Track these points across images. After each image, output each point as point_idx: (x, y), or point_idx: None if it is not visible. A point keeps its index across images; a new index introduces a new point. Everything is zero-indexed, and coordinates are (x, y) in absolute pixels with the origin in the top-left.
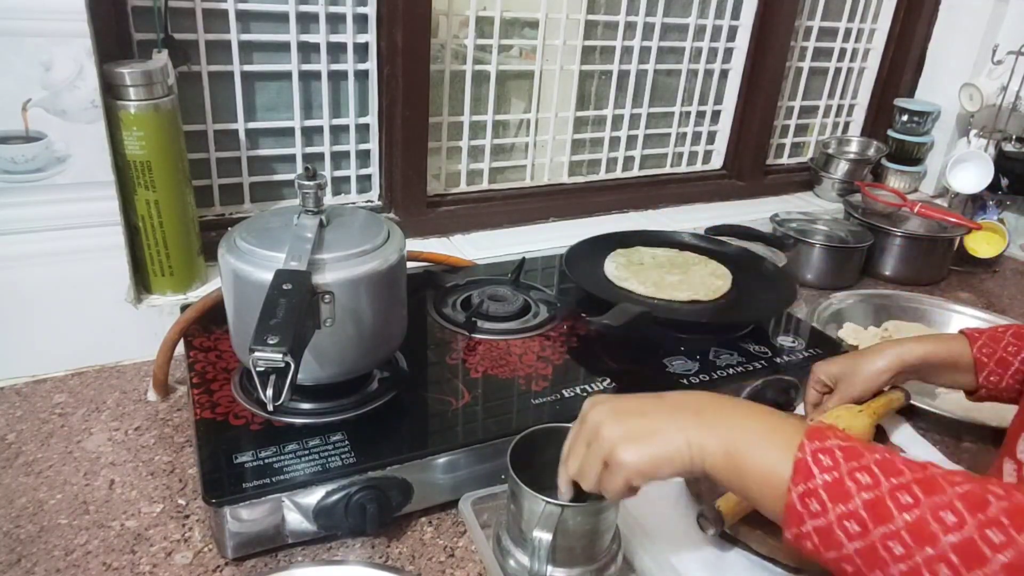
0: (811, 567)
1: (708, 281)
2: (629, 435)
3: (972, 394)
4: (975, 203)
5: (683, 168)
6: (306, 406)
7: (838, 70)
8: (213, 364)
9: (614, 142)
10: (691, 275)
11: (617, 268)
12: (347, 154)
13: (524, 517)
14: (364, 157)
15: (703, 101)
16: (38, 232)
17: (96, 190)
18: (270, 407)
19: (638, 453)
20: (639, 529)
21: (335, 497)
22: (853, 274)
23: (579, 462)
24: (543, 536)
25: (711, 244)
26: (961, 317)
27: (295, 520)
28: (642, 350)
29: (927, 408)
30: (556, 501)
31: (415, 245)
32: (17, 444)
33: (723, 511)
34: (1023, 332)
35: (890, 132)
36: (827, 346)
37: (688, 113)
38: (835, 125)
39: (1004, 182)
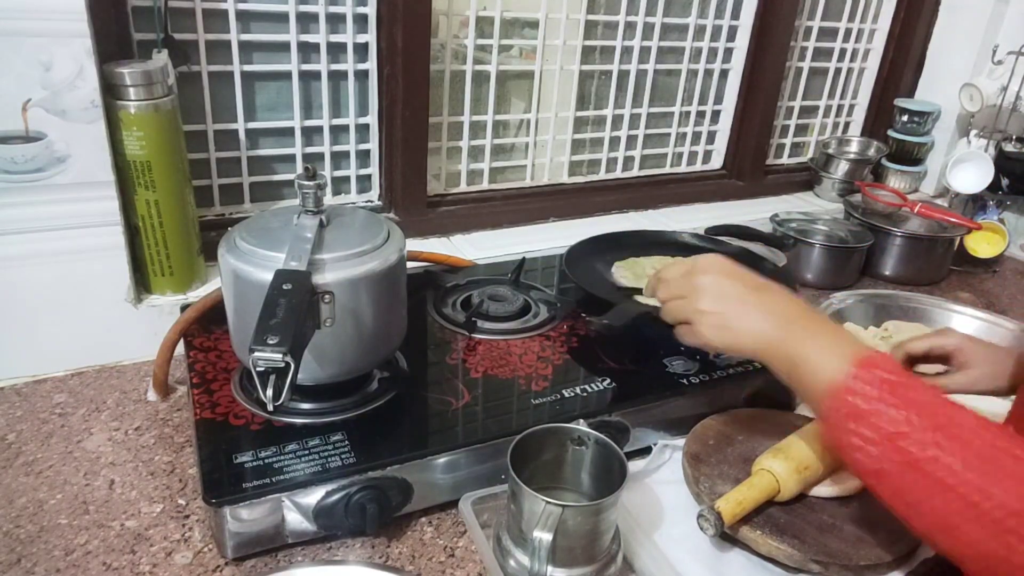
0: (810, 568)
1: None
2: (719, 319)
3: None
4: (975, 203)
5: (683, 168)
6: (306, 406)
7: (838, 70)
8: (213, 364)
9: (614, 142)
10: None
11: (629, 282)
12: (347, 154)
13: (524, 517)
14: (364, 157)
15: (703, 101)
16: (38, 232)
17: (96, 190)
18: (270, 407)
19: (719, 336)
20: (638, 529)
21: (335, 497)
22: (853, 274)
23: (671, 304)
24: (543, 536)
25: (711, 244)
26: (961, 317)
27: (295, 520)
28: (642, 350)
29: None
30: (556, 502)
31: (415, 245)
32: (17, 444)
33: (723, 512)
34: None
35: (890, 132)
36: None
37: (688, 113)
38: (835, 125)
39: (1004, 182)
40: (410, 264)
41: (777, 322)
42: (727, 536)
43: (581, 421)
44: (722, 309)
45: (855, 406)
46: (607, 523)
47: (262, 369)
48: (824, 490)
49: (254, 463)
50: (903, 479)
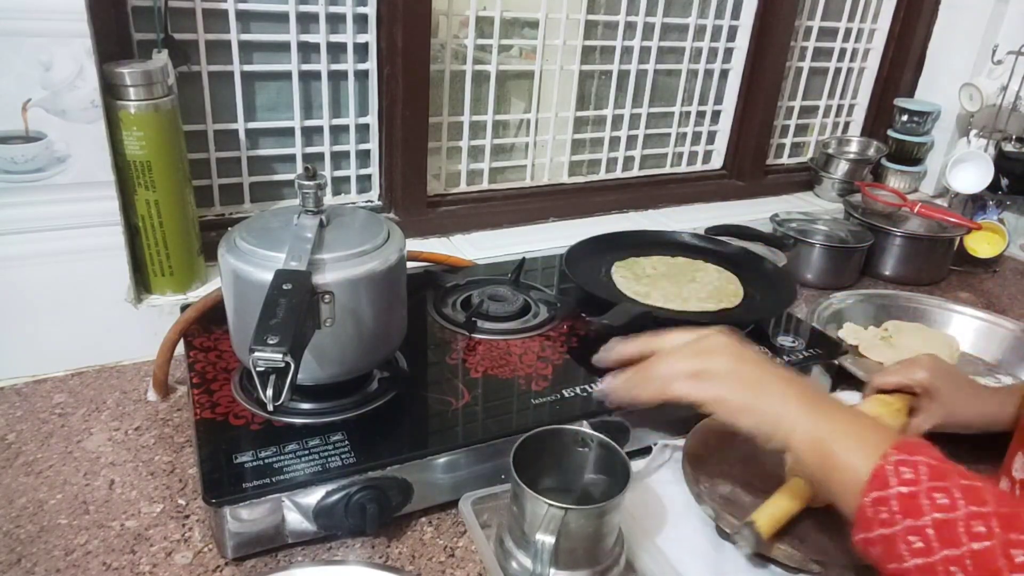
0: (810, 568)
1: (726, 288)
2: (736, 398)
3: None
4: (975, 203)
5: (683, 168)
6: (306, 406)
7: (838, 70)
8: (213, 364)
9: (614, 142)
10: (704, 283)
11: (628, 283)
12: (347, 154)
13: (527, 519)
14: (364, 157)
15: (703, 101)
16: (38, 232)
17: (96, 190)
18: (270, 407)
19: (740, 414)
20: (638, 529)
21: (335, 497)
22: (853, 274)
23: (672, 356)
24: (546, 539)
25: (711, 244)
26: (961, 317)
27: (295, 520)
28: None
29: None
30: (559, 504)
31: (415, 245)
32: (17, 444)
33: (761, 528)
34: None
35: (890, 132)
36: (827, 346)
37: (688, 113)
38: (835, 125)
39: (1004, 182)
40: (410, 264)
41: (801, 407)
42: (727, 536)
43: (584, 423)
44: (743, 394)
45: (908, 495)
46: (610, 526)
47: (262, 369)
48: None
49: (254, 463)
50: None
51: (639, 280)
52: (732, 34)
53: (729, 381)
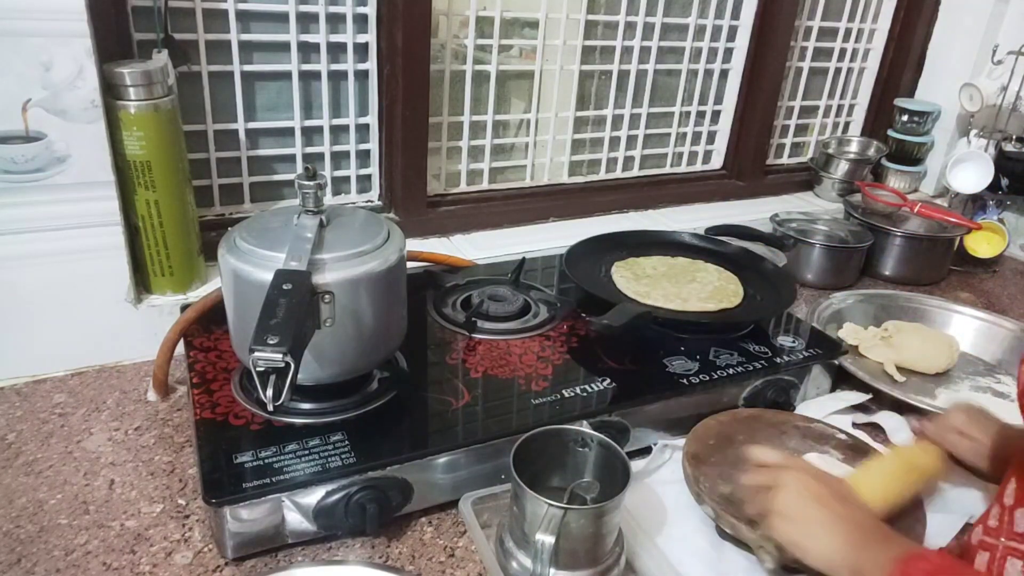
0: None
1: (726, 288)
2: (786, 532)
3: None
4: (975, 203)
5: (683, 168)
6: (306, 406)
7: (838, 70)
8: (213, 364)
9: (614, 142)
10: (704, 283)
11: (628, 282)
12: (347, 154)
13: (527, 519)
14: (364, 157)
15: (703, 101)
16: (38, 232)
17: (96, 190)
18: (270, 407)
19: (786, 543)
20: (639, 529)
21: (335, 497)
22: (853, 274)
23: (753, 496)
24: (546, 539)
25: (711, 244)
26: (961, 317)
27: (295, 520)
28: (642, 350)
29: (927, 407)
30: (559, 504)
31: (415, 245)
32: (17, 444)
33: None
34: None
35: (890, 132)
36: (827, 346)
37: (688, 113)
38: (835, 125)
39: (1004, 182)
40: (410, 264)
41: (845, 546)
42: (727, 536)
43: (584, 423)
44: (796, 528)
45: None
46: (610, 526)
47: (262, 369)
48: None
49: (254, 463)
50: None
51: (639, 280)
52: (732, 34)
53: (786, 522)
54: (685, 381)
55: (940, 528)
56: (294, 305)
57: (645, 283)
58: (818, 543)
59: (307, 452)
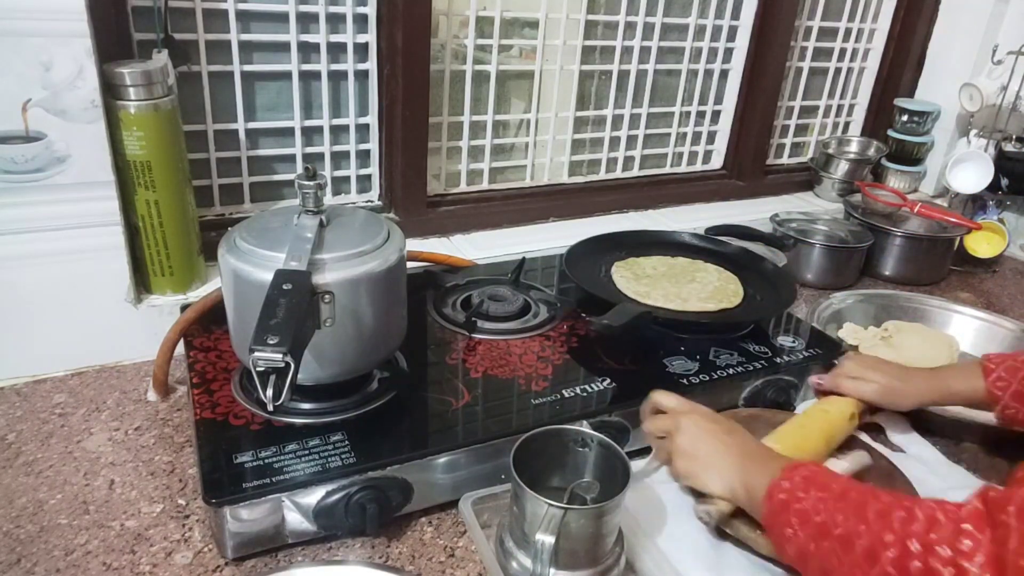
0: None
1: (726, 287)
2: (687, 469)
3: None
4: (975, 203)
5: (683, 168)
6: (306, 406)
7: (838, 70)
8: (213, 364)
9: (614, 142)
10: (704, 283)
11: (628, 282)
12: (347, 154)
13: (527, 519)
14: (364, 157)
15: (703, 101)
16: (38, 232)
17: (96, 190)
18: (270, 407)
19: (689, 479)
20: (638, 529)
21: (335, 497)
22: (853, 274)
23: (655, 444)
24: (545, 539)
25: (711, 244)
26: (961, 317)
27: (295, 520)
28: (642, 350)
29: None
30: (558, 504)
31: (415, 245)
32: (17, 444)
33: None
34: None
35: (890, 132)
36: (827, 346)
37: (688, 113)
38: (835, 125)
39: (1004, 182)
40: (410, 264)
41: (732, 466)
42: (727, 536)
43: (584, 423)
44: (688, 461)
45: (782, 500)
46: (610, 526)
47: (262, 369)
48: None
49: (254, 463)
50: (819, 548)
51: (639, 280)
52: (732, 34)
53: (680, 454)
54: (685, 381)
55: None
56: (294, 305)
57: (645, 283)
58: (715, 472)
59: (307, 452)
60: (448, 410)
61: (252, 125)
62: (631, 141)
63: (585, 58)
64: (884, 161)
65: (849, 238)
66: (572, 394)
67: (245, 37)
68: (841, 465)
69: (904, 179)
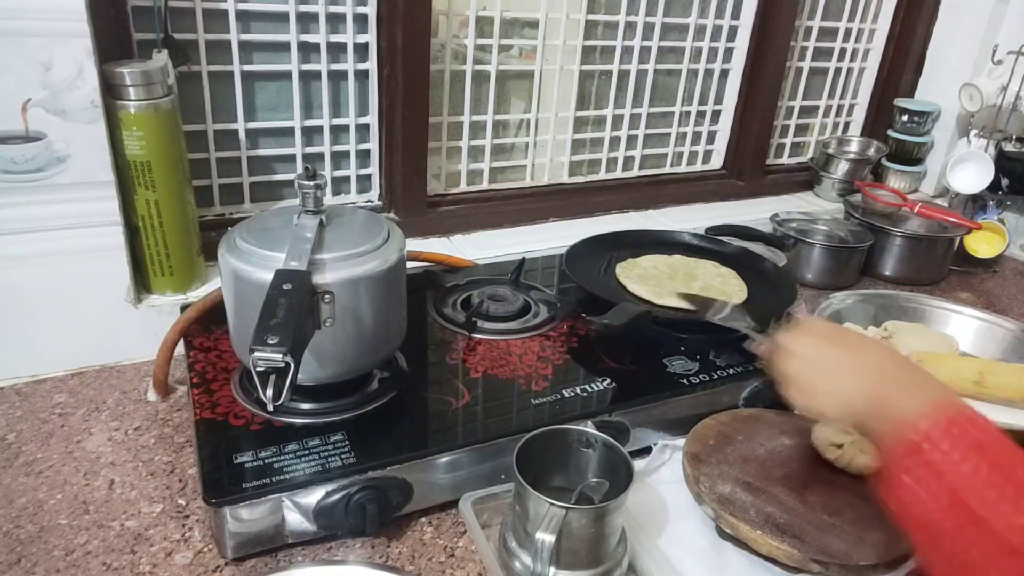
0: (810, 568)
1: (729, 284)
2: (797, 382)
3: None
4: (975, 203)
5: (683, 168)
6: (306, 406)
7: (838, 70)
8: (213, 364)
9: (614, 142)
10: (707, 281)
11: (635, 284)
12: (347, 154)
13: (529, 519)
14: (364, 157)
15: (703, 101)
16: (38, 232)
17: (96, 190)
18: (270, 407)
19: (802, 401)
20: (639, 529)
21: (335, 497)
22: (853, 274)
23: (773, 358)
24: (546, 538)
25: (711, 244)
26: (961, 317)
27: (295, 520)
28: (642, 350)
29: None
30: (560, 503)
31: (415, 245)
32: (17, 444)
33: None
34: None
35: (890, 132)
36: None
37: (688, 113)
38: (835, 125)
39: (1004, 182)
40: (410, 264)
41: (857, 389)
42: (727, 536)
43: (589, 423)
44: (804, 376)
45: (920, 453)
46: (612, 526)
47: (262, 369)
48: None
49: (254, 463)
50: (960, 534)
51: (646, 281)
52: (732, 34)
53: (796, 367)
54: (685, 381)
55: None
56: (294, 305)
57: (652, 284)
58: (837, 382)
59: (307, 452)
60: (448, 410)
61: (252, 125)
62: (631, 141)
63: (585, 58)
64: (884, 161)
65: (849, 238)
66: (572, 394)
67: (245, 37)
68: None
69: (904, 179)
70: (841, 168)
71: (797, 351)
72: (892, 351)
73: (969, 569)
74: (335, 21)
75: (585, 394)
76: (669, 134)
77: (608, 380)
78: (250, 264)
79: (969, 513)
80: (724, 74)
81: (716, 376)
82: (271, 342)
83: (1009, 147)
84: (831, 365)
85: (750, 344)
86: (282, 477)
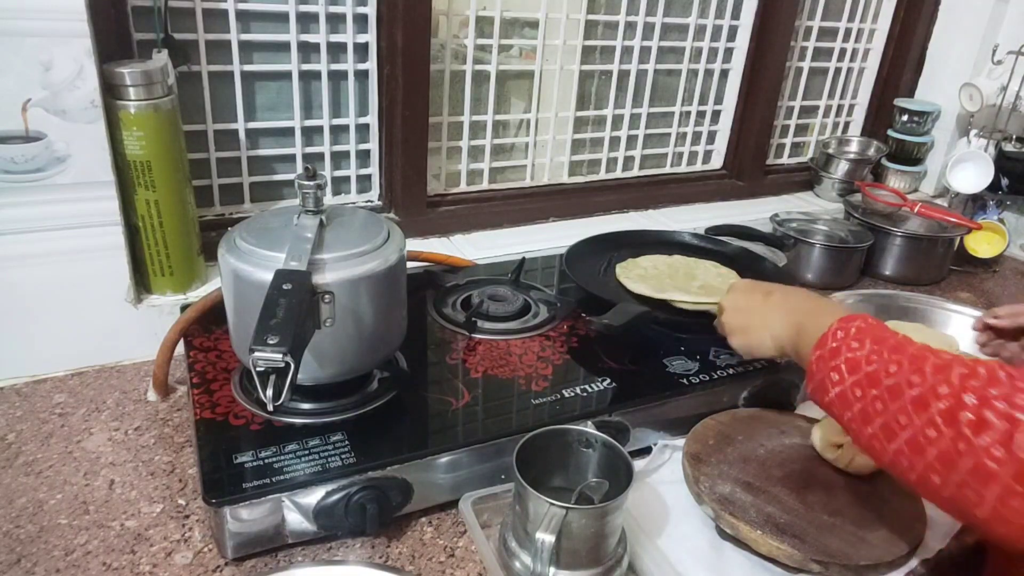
0: (810, 568)
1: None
2: (732, 328)
3: None
4: (975, 203)
5: (683, 168)
6: (306, 406)
7: (838, 70)
8: (213, 364)
9: (614, 142)
10: (707, 280)
11: (635, 283)
12: (347, 154)
13: (529, 519)
14: (364, 157)
15: (703, 101)
16: (38, 232)
17: (96, 190)
18: (270, 407)
19: (737, 343)
20: (639, 529)
21: (335, 497)
22: (853, 274)
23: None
24: (546, 538)
25: (711, 244)
26: (961, 317)
27: (295, 520)
28: (642, 350)
29: None
30: (560, 503)
31: (415, 245)
32: (17, 444)
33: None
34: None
35: (890, 132)
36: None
37: (688, 113)
38: (835, 125)
39: (1004, 182)
40: (410, 264)
41: (781, 322)
42: (727, 536)
43: (589, 423)
44: (734, 320)
45: (833, 348)
46: (612, 526)
47: (262, 369)
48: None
49: (254, 463)
50: (865, 395)
51: (646, 280)
52: (732, 34)
53: (727, 315)
54: (685, 381)
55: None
56: (294, 305)
57: (653, 282)
58: (765, 336)
59: (307, 452)
60: (448, 410)
61: (252, 125)
62: (631, 141)
63: (585, 58)
64: (884, 161)
65: (849, 238)
66: (572, 394)
67: (245, 37)
68: None
69: (904, 179)
70: (841, 168)
71: (731, 306)
72: (803, 291)
73: (888, 426)
74: (335, 21)
75: (585, 394)
76: (669, 134)
77: (608, 380)
78: (250, 264)
79: (877, 382)
80: (724, 74)
81: (716, 376)
82: (271, 342)
83: (1009, 147)
84: (757, 310)
85: (717, 324)
86: (282, 477)
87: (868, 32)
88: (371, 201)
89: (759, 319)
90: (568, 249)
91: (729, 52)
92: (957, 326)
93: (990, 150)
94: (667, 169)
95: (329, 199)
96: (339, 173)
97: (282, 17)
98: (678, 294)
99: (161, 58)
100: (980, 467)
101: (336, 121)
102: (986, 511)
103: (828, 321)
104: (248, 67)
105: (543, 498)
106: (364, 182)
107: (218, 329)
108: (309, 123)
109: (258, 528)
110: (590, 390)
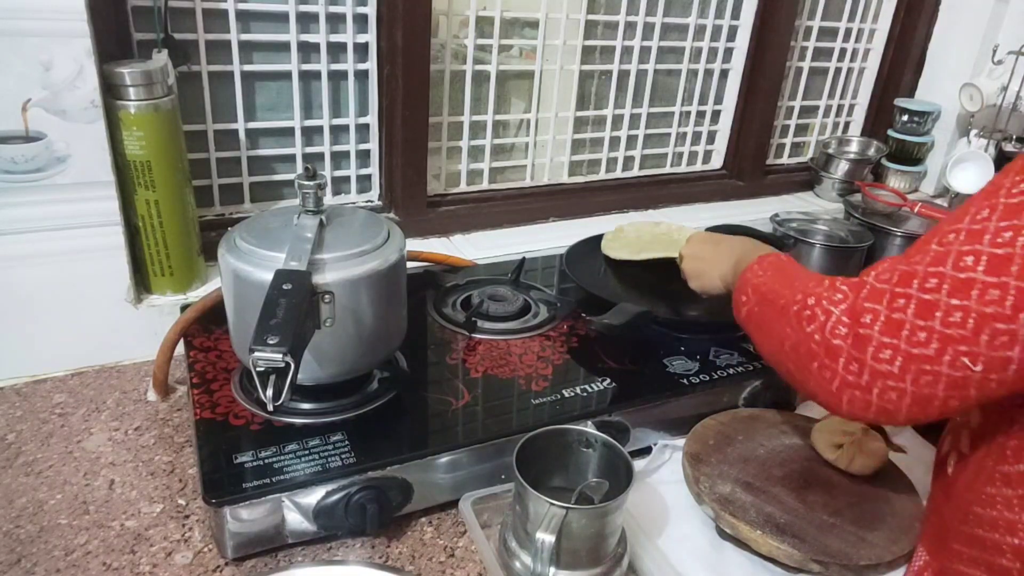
0: (810, 568)
1: None
2: (690, 272)
3: None
4: None
5: (683, 168)
6: (306, 406)
7: (838, 70)
8: (213, 364)
9: (614, 142)
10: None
11: (616, 250)
12: (347, 154)
13: (529, 519)
14: (364, 157)
15: (703, 101)
16: (38, 232)
17: (96, 190)
18: (270, 407)
19: (695, 285)
20: (639, 529)
21: (335, 497)
22: (853, 274)
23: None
24: (546, 538)
25: None
26: None
27: (295, 520)
28: (642, 350)
29: None
30: (560, 503)
31: (415, 245)
32: (17, 444)
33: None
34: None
35: (890, 132)
36: None
37: (688, 113)
38: (835, 125)
39: None
40: (410, 264)
41: (726, 263)
42: (727, 536)
43: (589, 423)
44: (691, 265)
45: (746, 278)
46: (612, 526)
47: (262, 369)
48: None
49: (254, 463)
50: (761, 310)
51: (630, 247)
52: (732, 34)
53: (685, 261)
54: (685, 381)
55: None
56: (294, 305)
57: (636, 247)
58: (715, 276)
59: (307, 452)
60: (448, 410)
61: (252, 125)
62: (631, 141)
63: (585, 58)
64: (884, 161)
65: (849, 238)
66: (572, 394)
67: (245, 37)
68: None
69: (904, 179)
70: (841, 168)
71: (688, 254)
72: (747, 239)
73: (770, 331)
74: (335, 21)
75: (585, 394)
76: (669, 134)
77: (608, 380)
78: (250, 264)
79: (770, 302)
80: (724, 74)
81: (716, 376)
82: (271, 342)
83: (1009, 147)
84: (709, 255)
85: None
86: (282, 477)
87: (868, 32)
88: (371, 201)
89: (711, 264)
90: (568, 249)
91: (729, 52)
92: None
93: (990, 150)
94: (667, 169)
95: (329, 199)
96: (339, 173)
97: (282, 17)
98: (655, 253)
99: (161, 58)
100: (807, 350)
101: (336, 121)
102: (812, 383)
103: (754, 257)
104: (248, 67)
105: (543, 498)
106: (364, 182)
107: (218, 329)
108: (309, 123)
109: (258, 528)
110: (590, 390)
